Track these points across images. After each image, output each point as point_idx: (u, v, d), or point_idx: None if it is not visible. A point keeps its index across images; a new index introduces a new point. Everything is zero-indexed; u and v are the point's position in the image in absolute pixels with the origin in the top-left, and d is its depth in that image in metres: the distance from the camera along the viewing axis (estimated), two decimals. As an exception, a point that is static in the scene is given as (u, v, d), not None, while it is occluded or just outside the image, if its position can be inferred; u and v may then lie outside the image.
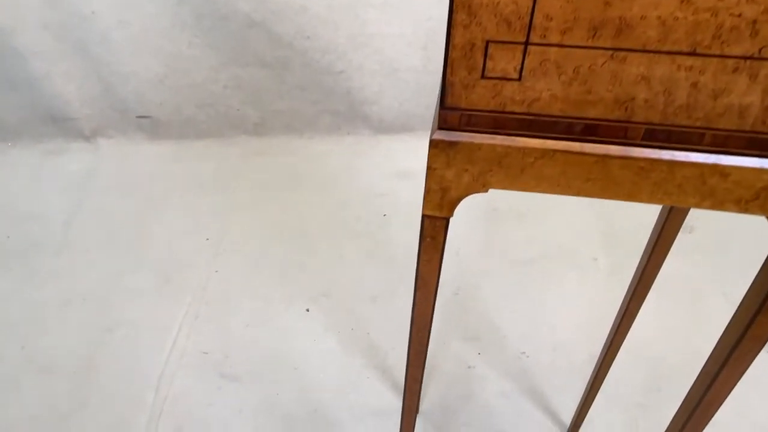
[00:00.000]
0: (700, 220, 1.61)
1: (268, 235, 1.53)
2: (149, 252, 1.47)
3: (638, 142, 0.39)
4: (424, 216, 0.47)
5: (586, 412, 1.06)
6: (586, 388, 1.06)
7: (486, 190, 0.43)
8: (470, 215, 1.61)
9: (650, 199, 0.41)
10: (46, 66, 1.78)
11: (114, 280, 1.38)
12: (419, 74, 1.90)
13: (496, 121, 0.40)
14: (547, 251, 1.49)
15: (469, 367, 1.19)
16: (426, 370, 1.18)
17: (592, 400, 1.05)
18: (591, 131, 0.39)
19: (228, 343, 1.23)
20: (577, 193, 0.41)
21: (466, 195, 0.44)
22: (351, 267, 1.43)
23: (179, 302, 1.33)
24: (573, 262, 1.46)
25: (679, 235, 1.59)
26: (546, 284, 1.39)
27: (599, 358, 1.01)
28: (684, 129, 0.38)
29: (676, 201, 0.40)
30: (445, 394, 1.13)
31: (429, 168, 0.42)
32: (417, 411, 1.09)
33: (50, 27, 1.71)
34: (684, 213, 0.72)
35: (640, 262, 0.83)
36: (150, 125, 1.95)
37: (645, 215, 1.30)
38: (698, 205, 0.40)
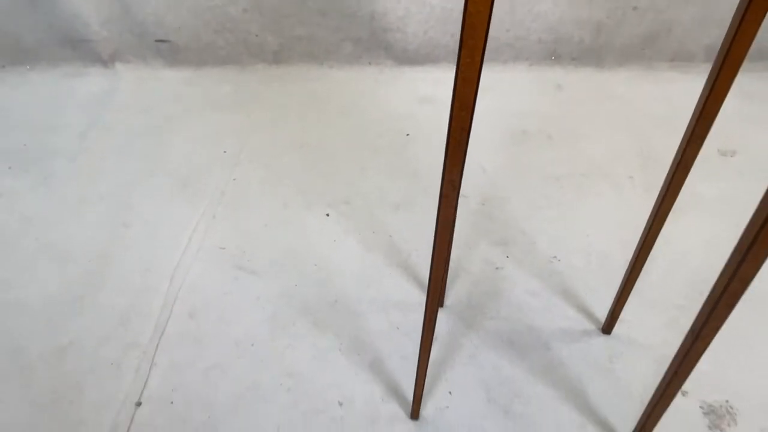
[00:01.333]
0: (740, 145, 1.53)
1: (287, 149, 1.49)
2: (167, 160, 1.44)
3: None
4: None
5: (620, 310, 1.00)
6: (619, 288, 1.00)
7: None
8: (497, 136, 1.55)
9: None
10: (65, -17, 1.75)
11: (131, 183, 1.35)
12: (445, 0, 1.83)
13: None
14: (580, 169, 1.43)
15: (498, 268, 1.13)
16: (452, 272, 1.13)
17: (626, 300, 0.99)
18: None
19: (245, 240, 1.19)
20: None
21: None
22: (373, 178, 1.38)
23: (196, 204, 1.29)
24: (607, 179, 1.39)
25: (719, 158, 1.51)
26: (579, 197, 1.33)
27: (632, 258, 0.95)
28: None
29: None
30: (471, 291, 1.08)
31: None
32: (441, 304, 1.04)
33: (69, -60, 1.68)
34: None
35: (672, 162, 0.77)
36: (168, 50, 1.91)
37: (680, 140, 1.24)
38: None
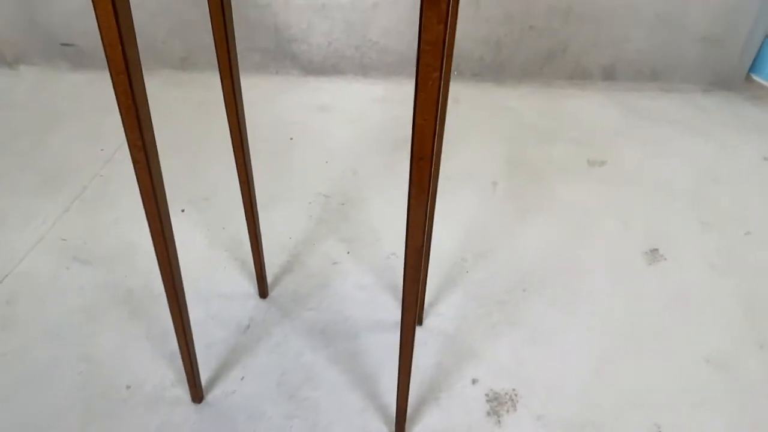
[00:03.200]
0: (611, 156, 1.58)
1: (166, 150, 1.48)
2: (41, 157, 1.45)
3: None
4: None
5: (422, 302, 1.01)
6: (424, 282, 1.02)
7: None
8: (380, 144, 1.58)
9: None
10: (-32, -15, 1.78)
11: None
12: (347, 12, 1.88)
13: None
14: (448, 173, 1.46)
15: (335, 263, 1.15)
16: (287, 265, 1.14)
17: (424, 292, 1.00)
18: None
19: (90, 233, 1.20)
20: None
21: None
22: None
23: (54, 198, 1.30)
24: (471, 183, 1.43)
25: (587, 167, 1.55)
26: (438, 200, 1.35)
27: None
28: None
29: None
30: (301, 284, 1.09)
31: None
32: (264, 295, 1.05)
33: (-29, -56, 1.72)
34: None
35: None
36: (74, 54, 1.93)
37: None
38: None
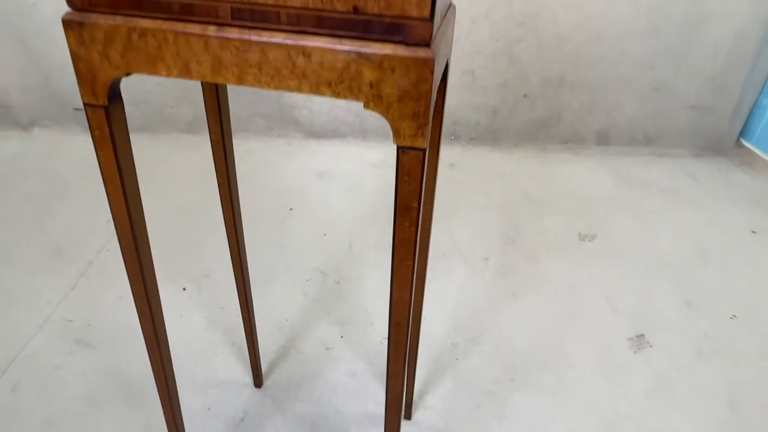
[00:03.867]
0: (602, 230, 1.62)
1: (170, 218, 1.56)
2: (47, 227, 1.50)
3: (229, 21, 0.42)
4: (85, 104, 0.50)
5: (411, 393, 1.04)
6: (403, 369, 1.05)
7: (127, 74, 0.46)
8: (375, 215, 1.63)
9: (257, 82, 0.43)
10: (-14, 55, 1.87)
11: (4, 249, 1.41)
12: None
13: (111, 0, 0.43)
14: (442, 248, 1.50)
15: (328, 348, 1.18)
16: (283, 350, 1.18)
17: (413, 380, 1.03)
18: (188, 11, 0.42)
19: (95, 313, 1.24)
20: (196, 76, 0.44)
21: (111, 78, 0.46)
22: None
23: (61, 274, 1.35)
24: (464, 260, 1.47)
25: (578, 242, 1.59)
26: (431, 278, 1.39)
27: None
28: (262, 7, 0.41)
29: (279, 84, 0.43)
30: (294, 371, 1.12)
31: (71, 51, 0.45)
32: (259, 384, 1.08)
33: (-9, 18, 1.81)
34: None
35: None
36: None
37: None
38: (299, 88, 0.43)
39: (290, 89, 0.42)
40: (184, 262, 1.40)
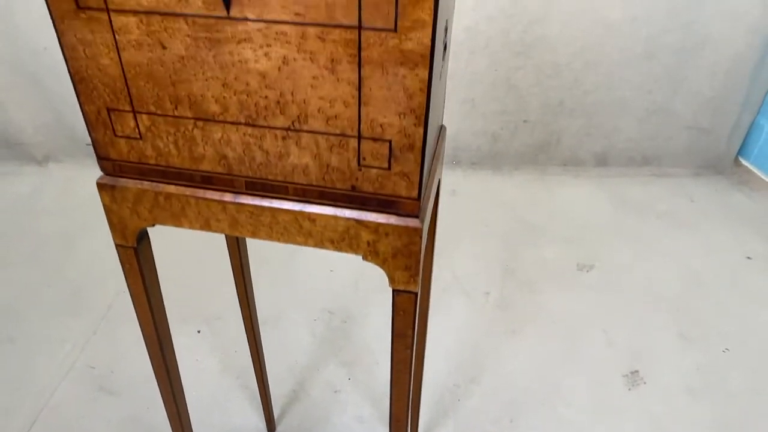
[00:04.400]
0: (600, 259, 1.67)
1: (188, 257, 1.63)
2: (67, 269, 1.58)
3: (243, 191, 0.47)
4: (116, 244, 0.56)
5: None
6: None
7: (153, 225, 0.52)
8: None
9: (269, 237, 0.49)
10: (2, 95, 1.93)
11: (27, 293, 1.49)
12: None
13: (139, 170, 0.49)
14: (443, 283, 1.56)
15: (336, 391, 1.25)
16: (293, 394, 1.25)
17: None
18: (208, 181, 0.48)
19: (116, 358, 1.31)
20: (216, 230, 0.50)
21: (140, 227, 0.52)
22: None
23: (82, 319, 1.42)
24: (464, 295, 1.53)
25: (576, 272, 1.64)
26: (432, 315, 1.45)
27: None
28: (272, 182, 0.46)
29: (288, 240, 0.48)
30: (304, 416, 1.19)
31: (104, 205, 0.51)
32: (272, 430, 1.15)
33: (5, 61, 1.87)
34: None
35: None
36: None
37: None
38: (306, 243, 0.48)
39: (298, 244, 0.48)
40: (200, 304, 1.47)
